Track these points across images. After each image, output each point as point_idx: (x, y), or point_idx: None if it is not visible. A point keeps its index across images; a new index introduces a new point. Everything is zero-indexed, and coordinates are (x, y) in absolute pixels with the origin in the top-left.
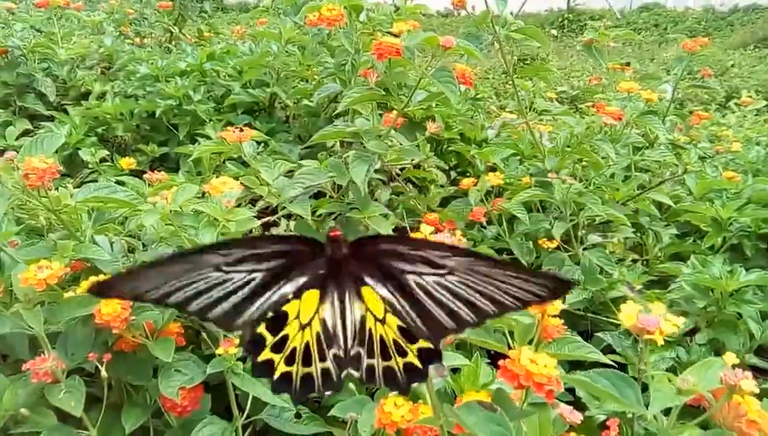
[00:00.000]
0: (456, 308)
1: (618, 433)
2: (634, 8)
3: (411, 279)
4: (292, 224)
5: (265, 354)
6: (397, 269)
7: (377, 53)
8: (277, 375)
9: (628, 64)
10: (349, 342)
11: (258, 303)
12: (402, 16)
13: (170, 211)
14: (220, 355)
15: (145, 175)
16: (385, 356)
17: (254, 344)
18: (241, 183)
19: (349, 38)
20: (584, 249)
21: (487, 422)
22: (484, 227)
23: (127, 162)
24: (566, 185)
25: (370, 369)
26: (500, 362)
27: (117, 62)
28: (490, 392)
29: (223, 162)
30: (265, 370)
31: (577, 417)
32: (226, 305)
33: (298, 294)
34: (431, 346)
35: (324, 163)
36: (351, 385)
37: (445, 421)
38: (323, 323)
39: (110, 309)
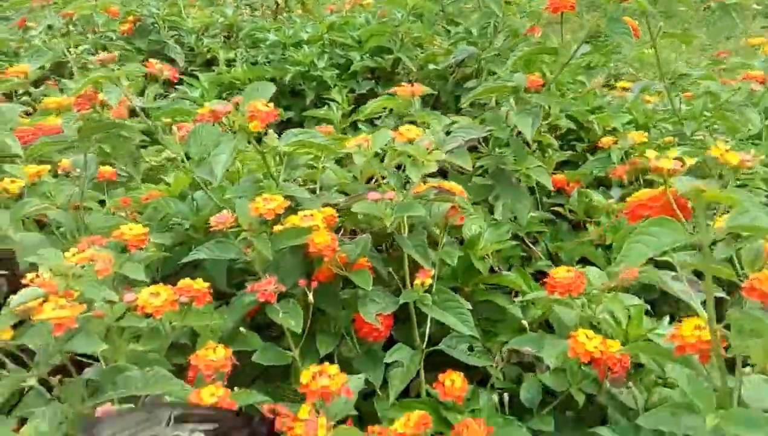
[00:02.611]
0: None
1: None
2: None
3: None
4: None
5: None
6: None
7: (552, 7)
8: None
9: None
10: None
11: None
12: None
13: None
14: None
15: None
16: None
17: None
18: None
19: (497, 1)
20: None
21: None
22: (622, 186)
23: (255, 126)
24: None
25: None
26: (744, 283)
27: (240, 31)
28: None
29: (350, 124)
30: None
31: None
32: None
33: None
34: None
35: (480, 118)
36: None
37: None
38: None
39: (322, 239)
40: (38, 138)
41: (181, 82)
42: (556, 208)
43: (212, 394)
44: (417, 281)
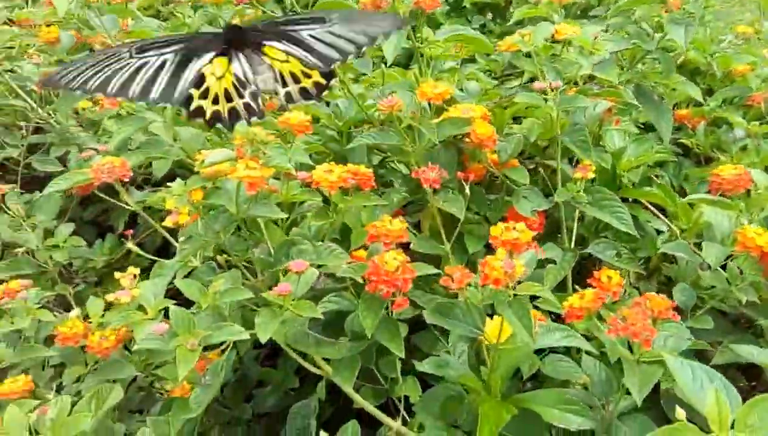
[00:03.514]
0: (341, 45)
1: None
2: None
3: (305, 34)
4: None
5: (196, 103)
6: (292, 30)
7: None
8: (209, 114)
9: None
10: (256, 84)
11: (184, 77)
12: None
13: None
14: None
15: None
16: (296, 81)
17: (186, 101)
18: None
19: None
20: None
21: None
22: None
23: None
24: None
25: (288, 94)
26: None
27: None
28: None
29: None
30: (197, 113)
31: None
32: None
33: (209, 62)
34: (321, 80)
35: (624, 32)
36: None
37: None
38: (235, 75)
39: (484, 130)
40: None
41: None
42: (681, 141)
43: (394, 258)
44: (577, 175)
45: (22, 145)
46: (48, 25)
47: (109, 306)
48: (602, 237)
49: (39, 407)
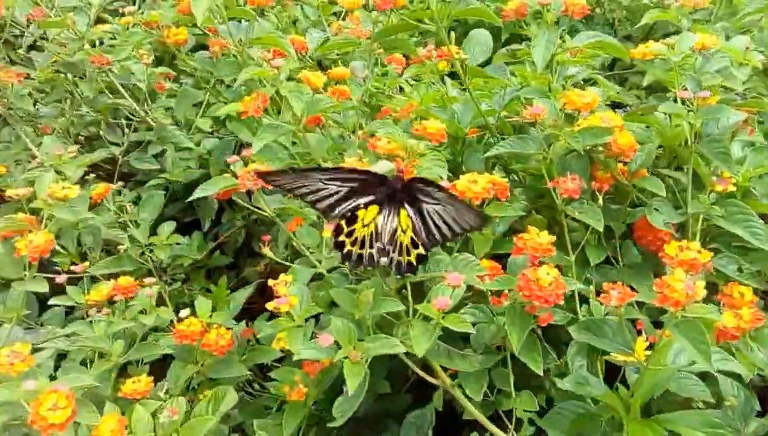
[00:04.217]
0: (442, 226)
1: None
2: None
3: (425, 207)
4: None
5: (341, 238)
6: (420, 199)
7: None
8: (345, 250)
9: None
10: (386, 242)
11: (344, 205)
12: None
13: None
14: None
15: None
16: (401, 254)
17: (336, 232)
18: None
19: None
20: None
21: None
22: None
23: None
24: None
25: (398, 263)
26: None
27: None
28: None
29: None
30: (340, 247)
31: None
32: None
33: (366, 206)
34: (423, 252)
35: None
36: None
37: None
38: (376, 226)
39: (626, 140)
40: None
41: None
42: None
43: (547, 273)
44: (718, 187)
45: (123, 144)
46: (177, 27)
47: (215, 308)
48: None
49: (161, 408)
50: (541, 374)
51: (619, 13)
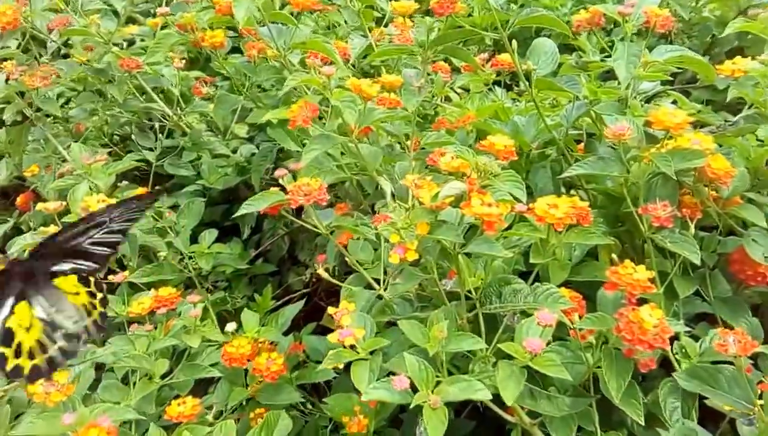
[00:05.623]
0: None
1: None
2: None
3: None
4: None
5: (11, 362)
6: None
7: None
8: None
9: None
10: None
11: None
12: None
13: None
14: None
15: None
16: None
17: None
18: None
19: None
20: None
21: None
22: None
23: None
24: None
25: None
26: None
27: None
28: None
29: None
30: (17, 372)
31: None
32: None
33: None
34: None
35: None
36: None
37: None
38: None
39: (721, 164)
40: None
41: None
42: None
43: (650, 315)
44: None
45: (155, 149)
46: (212, 29)
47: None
48: None
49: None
50: (642, 423)
51: (676, 27)
